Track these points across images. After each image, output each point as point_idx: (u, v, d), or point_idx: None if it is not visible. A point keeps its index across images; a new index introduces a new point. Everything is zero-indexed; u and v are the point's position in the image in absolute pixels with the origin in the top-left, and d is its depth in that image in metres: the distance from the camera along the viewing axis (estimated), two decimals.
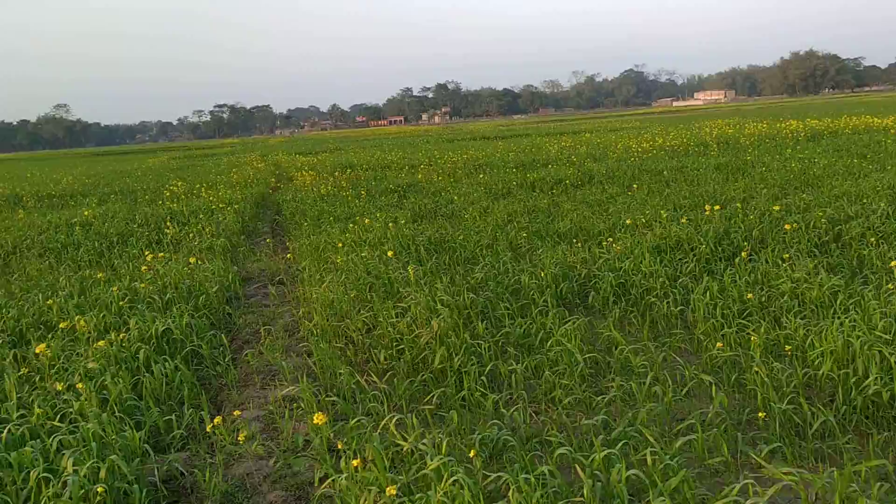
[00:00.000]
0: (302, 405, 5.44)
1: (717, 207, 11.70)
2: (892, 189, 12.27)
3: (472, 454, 4.05)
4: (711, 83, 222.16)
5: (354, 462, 3.93)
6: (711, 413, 4.83)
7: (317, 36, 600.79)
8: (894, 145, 20.92)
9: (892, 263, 7.39)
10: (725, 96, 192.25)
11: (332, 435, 4.72)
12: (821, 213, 10.38)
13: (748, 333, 6.16)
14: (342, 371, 5.78)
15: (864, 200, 11.34)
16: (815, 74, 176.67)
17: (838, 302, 6.68)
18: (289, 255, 11.11)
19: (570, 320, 6.67)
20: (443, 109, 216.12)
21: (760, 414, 4.69)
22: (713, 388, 5.10)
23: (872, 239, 8.92)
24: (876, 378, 5.01)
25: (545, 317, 6.93)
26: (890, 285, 6.93)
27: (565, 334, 6.24)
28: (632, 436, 4.47)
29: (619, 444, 4.24)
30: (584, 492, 3.64)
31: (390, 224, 12.27)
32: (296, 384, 5.69)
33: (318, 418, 4.43)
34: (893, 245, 8.71)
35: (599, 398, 5.26)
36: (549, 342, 6.25)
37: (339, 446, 4.39)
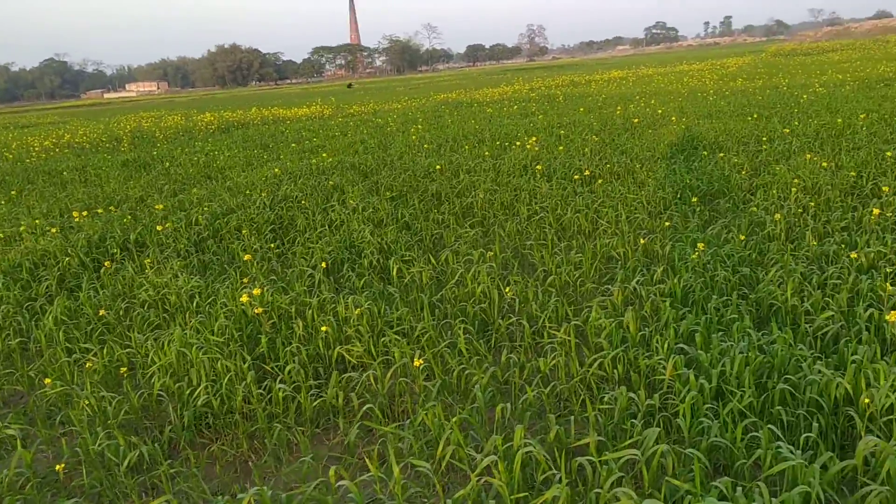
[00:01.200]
0: None
1: (99, 211, 10.85)
2: (276, 178, 13.01)
3: None
4: (143, 73, 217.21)
5: None
6: (11, 475, 4.00)
7: None
8: (294, 135, 22.76)
9: (246, 257, 7.55)
10: (159, 88, 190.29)
11: None
12: (205, 208, 10.33)
13: (89, 359, 5.49)
14: None
15: (249, 191, 11.71)
16: (242, 67, 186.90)
17: (195, 305, 6.48)
18: None
19: None
20: None
21: (59, 467, 4.03)
22: (18, 441, 4.28)
23: (246, 231, 9.08)
24: (206, 387, 4.83)
25: None
26: (245, 279, 7.03)
27: None
28: None
29: None
30: None
31: None
32: None
33: None
34: (264, 235, 9.01)
35: None
36: None
37: None
